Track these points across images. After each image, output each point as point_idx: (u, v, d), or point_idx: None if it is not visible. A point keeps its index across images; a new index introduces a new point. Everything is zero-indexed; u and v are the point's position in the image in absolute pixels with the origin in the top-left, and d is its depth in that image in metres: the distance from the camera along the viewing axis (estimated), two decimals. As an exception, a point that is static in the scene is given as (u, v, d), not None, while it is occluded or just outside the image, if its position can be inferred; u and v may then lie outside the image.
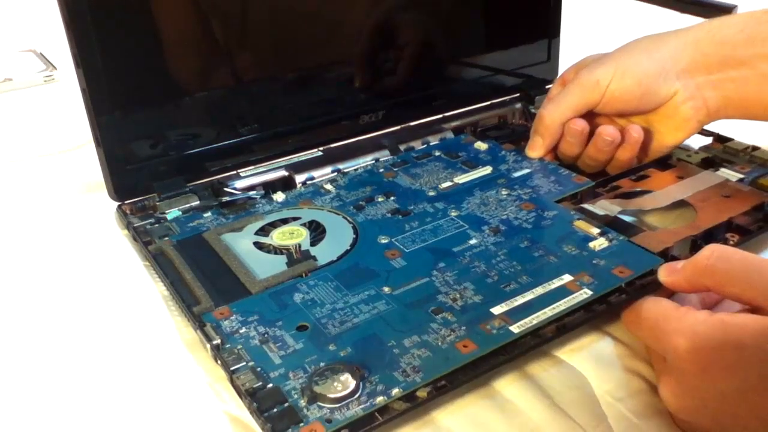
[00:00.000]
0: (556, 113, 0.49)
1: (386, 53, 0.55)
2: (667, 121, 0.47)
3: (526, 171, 0.50)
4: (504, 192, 0.47)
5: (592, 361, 0.35)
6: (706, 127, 0.50)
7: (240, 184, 0.49)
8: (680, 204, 0.45)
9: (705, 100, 0.46)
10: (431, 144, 0.55)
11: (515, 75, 0.61)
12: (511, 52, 0.60)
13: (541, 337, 0.35)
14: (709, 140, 0.52)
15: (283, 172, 0.50)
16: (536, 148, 0.50)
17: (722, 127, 0.51)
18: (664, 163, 0.50)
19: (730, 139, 0.52)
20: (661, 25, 0.49)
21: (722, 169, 0.48)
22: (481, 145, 0.54)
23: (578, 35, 0.65)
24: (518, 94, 0.60)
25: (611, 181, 0.48)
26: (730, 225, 0.42)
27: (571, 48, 0.61)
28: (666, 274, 0.35)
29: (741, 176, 0.47)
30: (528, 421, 0.32)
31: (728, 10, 0.80)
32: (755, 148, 0.50)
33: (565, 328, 0.36)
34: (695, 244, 0.41)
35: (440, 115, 0.58)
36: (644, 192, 0.47)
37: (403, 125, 0.56)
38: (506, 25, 0.60)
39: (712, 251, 0.32)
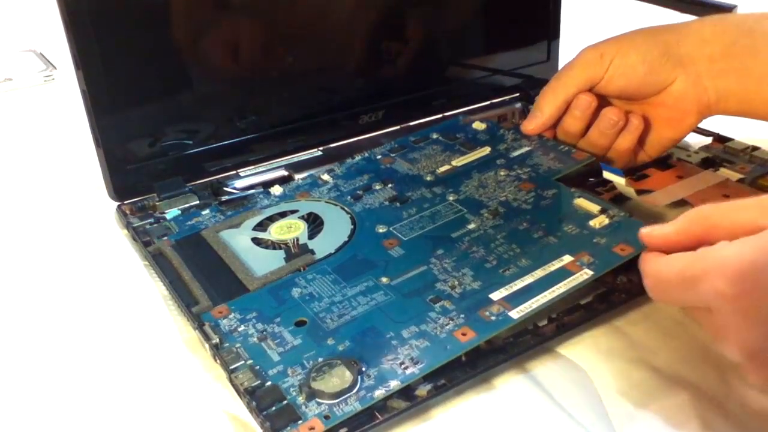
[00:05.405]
0: (559, 88, 0.48)
1: (386, 53, 0.55)
2: (667, 111, 0.47)
3: (525, 149, 0.49)
4: (503, 172, 0.46)
5: (591, 355, 0.35)
6: (706, 127, 0.50)
7: (239, 183, 0.49)
8: (680, 203, 0.45)
9: (706, 89, 0.46)
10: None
11: (515, 75, 0.61)
12: (510, 53, 0.60)
13: (540, 336, 0.35)
14: (709, 140, 0.52)
15: (283, 172, 0.50)
16: (534, 120, 0.49)
17: (722, 126, 0.51)
18: (664, 162, 0.50)
19: (730, 139, 0.51)
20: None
21: (722, 169, 0.48)
22: (480, 125, 0.53)
23: (578, 35, 0.65)
24: (518, 94, 0.60)
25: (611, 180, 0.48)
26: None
27: (571, 48, 0.61)
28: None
29: (741, 176, 0.47)
30: (527, 416, 0.32)
31: (728, 10, 0.80)
32: (755, 148, 0.50)
33: (564, 327, 0.36)
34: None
35: (440, 115, 0.57)
36: (644, 191, 0.47)
37: (402, 125, 0.56)
38: (506, 26, 0.59)
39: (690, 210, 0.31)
